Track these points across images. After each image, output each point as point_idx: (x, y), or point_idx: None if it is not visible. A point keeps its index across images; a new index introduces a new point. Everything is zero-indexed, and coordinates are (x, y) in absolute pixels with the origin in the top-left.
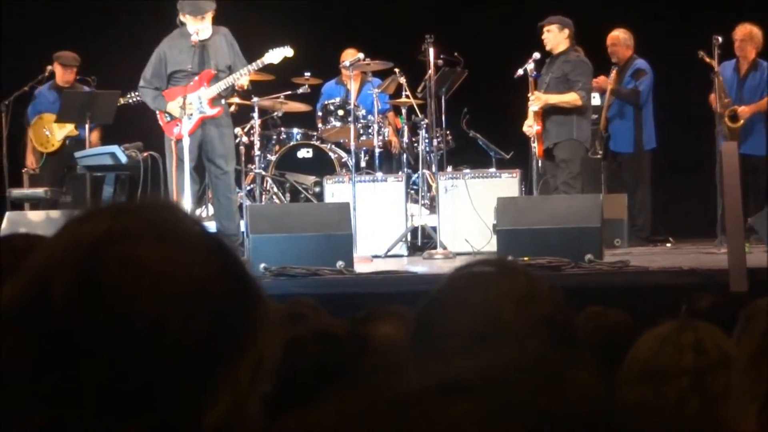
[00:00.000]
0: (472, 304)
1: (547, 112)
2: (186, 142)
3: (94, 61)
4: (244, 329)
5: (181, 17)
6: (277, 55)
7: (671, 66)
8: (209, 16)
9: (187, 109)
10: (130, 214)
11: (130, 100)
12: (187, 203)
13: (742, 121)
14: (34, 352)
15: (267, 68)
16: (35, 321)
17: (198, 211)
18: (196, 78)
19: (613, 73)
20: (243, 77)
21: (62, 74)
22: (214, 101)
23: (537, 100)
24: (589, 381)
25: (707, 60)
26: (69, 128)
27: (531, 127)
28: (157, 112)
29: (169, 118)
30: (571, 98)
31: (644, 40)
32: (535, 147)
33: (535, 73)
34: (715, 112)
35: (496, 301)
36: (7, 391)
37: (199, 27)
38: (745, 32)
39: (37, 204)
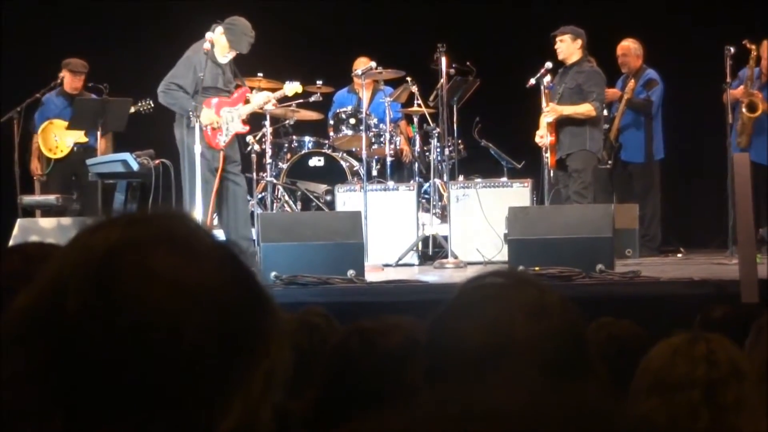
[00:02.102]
0: (484, 317)
1: (561, 123)
2: (215, 154)
3: (106, 68)
4: (257, 339)
5: (216, 35)
6: (291, 88)
7: (682, 75)
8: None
9: (226, 123)
10: (143, 224)
11: (142, 109)
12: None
13: (759, 112)
14: (48, 361)
15: (279, 77)
16: (49, 330)
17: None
18: (234, 95)
19: (631, 83)
20: (270, 104)
21: (71, 81)
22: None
23: (552, 112)
24: (600, 396)
25: (750, 47)
26: (78, 134)
27: (543, 137)
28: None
29: (212, 128)
30: (586, 109)
31: (653, 50)
32: (548, 157)
33: (551, 85)
34: (727, 120)
35: (508, 313)
36: (21, 400)
37: (228, 56)
38: None
39: (48, 211)
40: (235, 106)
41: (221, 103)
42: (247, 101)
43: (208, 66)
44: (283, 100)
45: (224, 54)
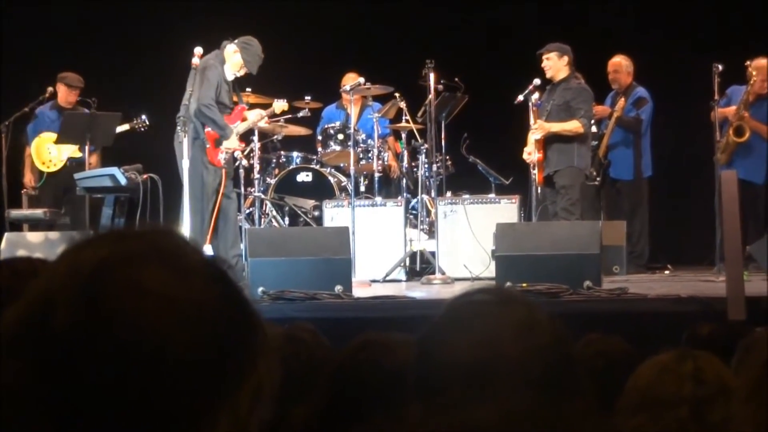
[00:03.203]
0: (472, 334)
1: (549, 140)
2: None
3: (94, 83)
4: (244, 354)
5: (230, 52)
6: (279, 106)
7: (670, 93)
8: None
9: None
10: (131, 240)
11: (137, 127)
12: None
13: (746, 137)
14: (36, 376)
15: (268, 92)
16: (37, 345)
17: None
18: (235, 111)
19: (621, 101)
20: (262, 122)
21: (66, 95)
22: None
23: (540, 129)
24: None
25: (751, 70)
26: (73, 149)
27: (531, 154)
28: (207, 138)
29: (218, 144)
30: (573, 126)
31: (642, 67)
32: (535, 174)
33: (539, 102)
34: (715, 138)
35: (496, 330)
36: (10, 415)
37: (236, 74)
38: (761, 65)
39: (36, 225)
40: (233, 123)
41: (229, 121)
42: (244, 119)
43: (223, 83)
44: (272, 116)
45: (235, 71)
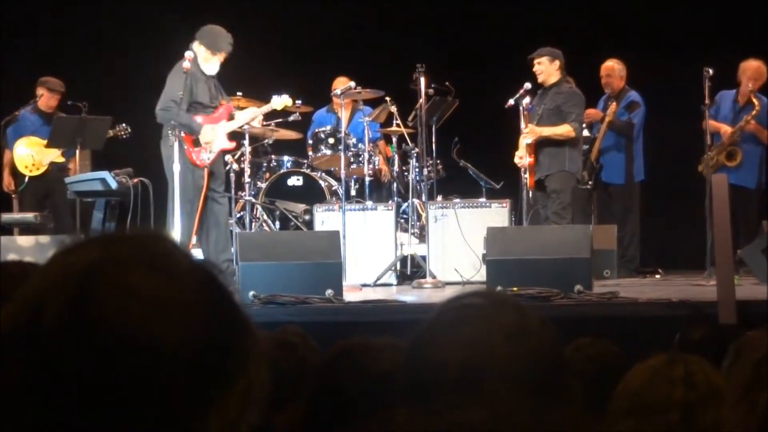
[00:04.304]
0: (462, 337)
1: (540, 144)
2: (200, 172)
3: (84, 87)
4: (234, 358)
5: (195, 47)
6: (279, 102)
7: (661, 97)
8: (223, 56)
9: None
10: (122, 243)
11: (120, 134)
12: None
13: (737, 161)
14: (26, 378)
15: (259, 96)
16: (26, 348)
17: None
18: (219, 111)
19: (613, 106)
20: (256, 120)
21: (47, 99)
22: (230, 135)
23: (531, 133)
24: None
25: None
26: (56, 153)
27: (522, 158)
28: (184, 140)
29: (198, 145)
30: (565, 130)
31: (634, 71)
32: (527, 178)
33: (530, 107)
34: (706, 143)
35: (487, 334)
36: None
37: (215, 65)
38: (749, 66)
39: (26, 229)
40: (217, 123)
41: (204, 121)
42: (231, 118)
43: (197, 82)
44: (271, 115)
45: (208, 62)
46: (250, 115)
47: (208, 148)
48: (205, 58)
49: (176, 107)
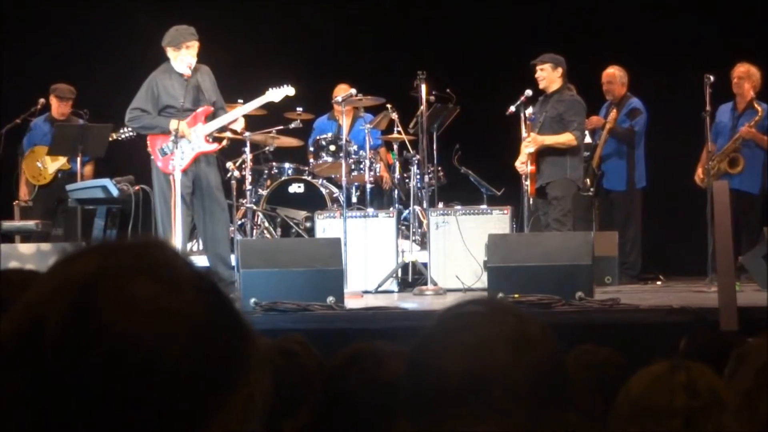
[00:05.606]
0: (464, 345)
1: (541, 152)
2: (178, 176)
3: (86, 94)
4: (235, 366)
5: (168, 53)
6: (278, 94)
7: (663, 104)
8: (191, 49)
9: (183, 145)
10: (122, 252)
11: (122, 136)
12: (180, 238)
13: (740, 168)
14: (26, 388)
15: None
16: (27, 358)
17: (189, 245)
18: (193, 114)
19: (614, 113)
20: (240, 119)
21: (58, 107)
22: (210, 138)
23: (533, 142)
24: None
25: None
26: (62, 161)
27: (524, 164)
28: (150, 147)
29: (164, 153)
30: (566, 139)
31: (635, 77)
32: (527, 185)
33: (533, 116)
34: (707, 149)
35: (488, 341)
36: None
37: (185, 59)
38: (743, 70)
39: (28, 237)
40: (193, 126)
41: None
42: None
43: (169, 87)
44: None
45: (177, 59)
46: (231, 117)
47: (177, 155)
48: (173, 57)
49: (141, 113)
